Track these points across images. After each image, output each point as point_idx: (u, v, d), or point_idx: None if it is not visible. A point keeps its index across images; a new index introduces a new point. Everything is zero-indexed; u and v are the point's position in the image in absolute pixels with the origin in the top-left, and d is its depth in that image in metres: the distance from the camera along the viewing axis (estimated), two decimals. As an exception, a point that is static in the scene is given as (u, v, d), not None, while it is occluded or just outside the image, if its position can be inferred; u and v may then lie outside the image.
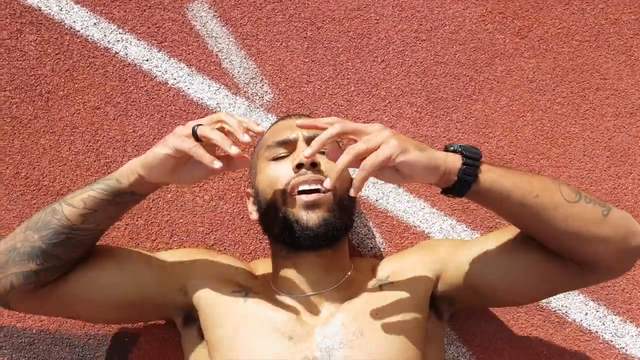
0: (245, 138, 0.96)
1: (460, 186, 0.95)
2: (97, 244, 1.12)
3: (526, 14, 1.59)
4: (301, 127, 1.07)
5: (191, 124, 1.00)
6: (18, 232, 1.05)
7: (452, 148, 0.99)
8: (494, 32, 1.58)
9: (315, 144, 0.97)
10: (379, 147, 0.92)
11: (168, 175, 1.02)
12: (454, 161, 0.95)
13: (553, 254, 1.05)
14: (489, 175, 0.96)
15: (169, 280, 1.17)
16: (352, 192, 0.94)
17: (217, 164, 0.95)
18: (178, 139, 0.98)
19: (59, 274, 1.07)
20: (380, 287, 1.17)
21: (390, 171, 0.95)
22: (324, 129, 0.98)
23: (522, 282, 1.10)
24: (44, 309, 1.15)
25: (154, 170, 1.01)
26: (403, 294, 1.15)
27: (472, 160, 0.95)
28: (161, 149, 0.99)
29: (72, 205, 1.03)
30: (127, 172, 1.03)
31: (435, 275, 1.18)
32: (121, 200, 1.05)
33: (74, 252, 1.06)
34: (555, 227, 0.98)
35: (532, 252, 1.07)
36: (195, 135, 0.98)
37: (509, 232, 1.12)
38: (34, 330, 1.36)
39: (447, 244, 1.23)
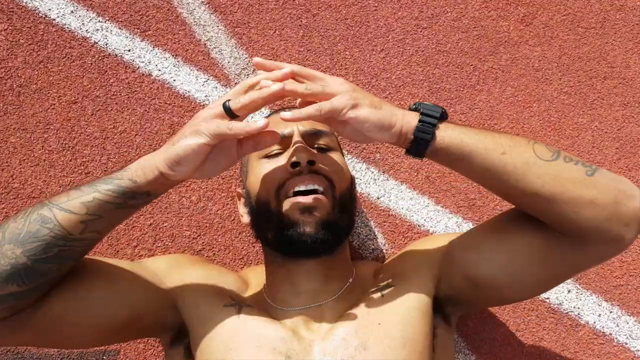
0: (286, 69, 0.72)
1: (417, 145, 0.71)
2: None
3: (530, 0, 1.21)
4: (290, 120, 0.70)
5: (217, 103, 0.71)
6: None
7: (413, 106, 0.75)
8: (497, 19, 1.19)
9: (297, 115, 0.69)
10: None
11: (194, 170, 0.71)
12: (411, 119, 0.72)
13: (544, 228, 0.73)
14: (448, 132, 0.71)
15: (159, 296, 0.81)
16: (285, 115, 0.69)
17: (263, 122, 0.69)
18: (211, 123, 0.69)
19: (40, 295, 0.69)
20: (382, 294, 0.82)
21: (350, 128, 0.72)
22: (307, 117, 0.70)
23: (519, 266, 0.77)
24: (16, 339, 0.74)
25: (183, 165, 0.70)
26: (406, 299, 0.80)
27: (429, 117, 0.71)
28: (193, 140, 0.69)
29: (69, 211, 0.67)
30: (144, 170, 0.71)
31: (436, 275, 0.83)
32: (133, 203, 0.71)
33: (65, 267, 0.69)
34: (530, 188, 0.69)
35: (523, 229, 0.76)
36: (228, 112, 0.70)
37: (501, 215, 0.82)
38: (1, 349, 0.97)
39: (445, 240, 0.87)
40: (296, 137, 0.83)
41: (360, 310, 0.79)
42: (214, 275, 0.88)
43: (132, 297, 0.78)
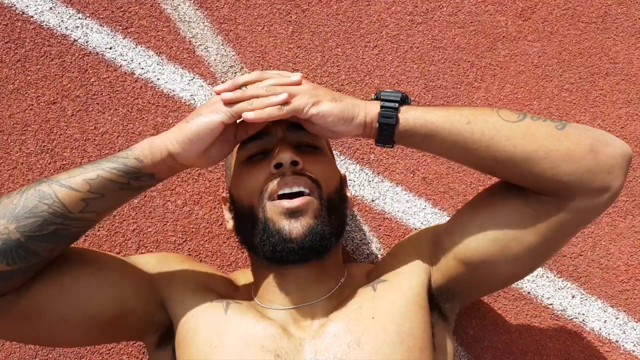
0: (295, 78, 0.75)
1: (383, 131, 0.73)
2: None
3: (529, -6, 1.18)
4: (252, 120, 0.72)
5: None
6: None
7: (374, 96, 0.76)
8: (495, 13, 1.17)
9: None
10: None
11: (203, 152, 0.71)
12: (373, 108, 0.74)
13: (528, 194, 0.73)
14: (410, 113, 0.73)
15: (148, 290, 0.78)
16: (248, 115, 0.70)
17: (284, 96, 0.71)
18: (223, 105, 0.71)
19: (25, 281, 0.66)
20: (374, 288, 0.79)
21: (315, 125, 0.74)
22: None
23: (510, 238, 0.74)
24: None
25: (195, 144, 0.70)
26: (399, 290, 0.77)
27: (390, 102, 0.73)
28: (210, 117, 0.70)
29: (71, 188, 0.66)
30: (151, 148, 0.71)
31: (428, 265, 0.81)
32: (136, 185, 0.71)
33: (58, 248, 0.67)
34: (501, 151, 0.70)
35: (507, 199, 0.75)
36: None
37: (483, 191, 0.82)
38: (-25, 364, 0.94)
39: (432, 229, 0.86)
40: (279, 136, 0.80)
41: (352, 305, 0.77)
42: (203, 273, 0.85)
43: (120, 290, 0.75)
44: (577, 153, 0.69)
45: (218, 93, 0.73)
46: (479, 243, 0.75)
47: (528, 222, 0.73)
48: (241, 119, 0.73)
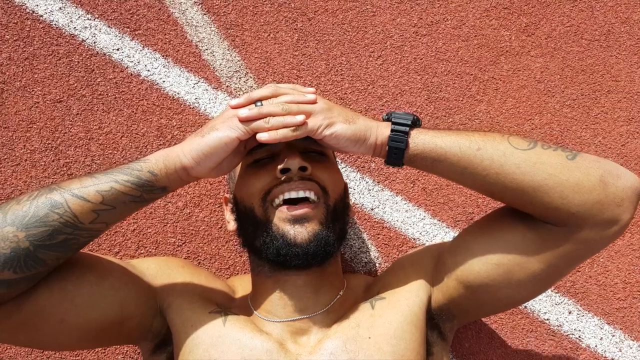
0: (311, 97, 0.76)
1: (392, 154, 0.75)
2: None
3: (533, 9, 1.21)
4: (265, 142, 0.73)
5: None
6: None
7: (385, 117, 0.78)
8: (499, 28, 1.20)
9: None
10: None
11: (216, 165, 0.73)
12: (384, 130, 0.75)
13: (536, 223, 0.73)
14: (420, 138, 0.74)
15: (148, 297, 0.79)
16: (262, 136, 0.72)
17: (301, 117, 0.73)
18: (236, 120, 0.73)
19: (30, 286, 0.67)
20: (373, 306, 0.80)
21: (327, 143, 0.76)
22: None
23: (513, 264, 0.74)
24: None
25: (209, 159, 0.72)
26: (397, 310, 0.78)
27: (400, 126, 0.74)
28: (225, 132, 0.72)
29: (83, 198, 0.67)
30: (165, 162, 0.72)
31: (429, 284, 0.82)
32: (148, 197, 0.72)
33: (64, 257, 0.68)
34: (510, 179, 0.71)
35: (514, 225, 0.75)
36: None
37: (490, 214, 0.82)
38: (-31, 358, 0.96)
39: (435, 248, 0.87)
40: (287, 142, 0.81)
41: (350, 323, 0.78)
42: (202, 280, 0.86)
43: (121, 297, 0.76)
44: (587, 184, 0.69)
45: (233, 108, 0.74)
46: (482, 266, 0.76)
47: (533, 249, 0.74)
48: None
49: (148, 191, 0.71)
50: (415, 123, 0.75)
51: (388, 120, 0.76)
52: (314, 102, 0.75)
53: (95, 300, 0.73)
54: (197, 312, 0.79)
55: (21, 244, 0.63)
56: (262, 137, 0.72)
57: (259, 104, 0.74)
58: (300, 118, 0.72)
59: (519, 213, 0.74)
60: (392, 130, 0.74)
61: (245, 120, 0.72)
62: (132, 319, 0.77)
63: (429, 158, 0.73)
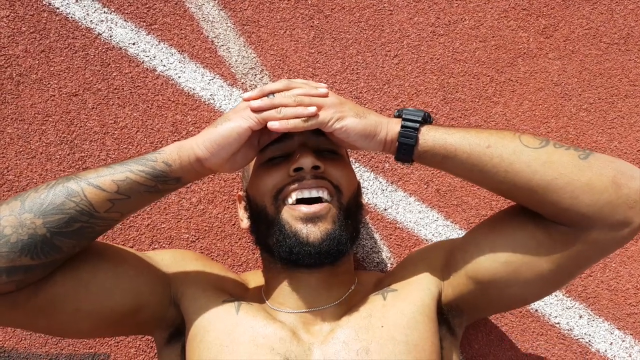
0: (322, 90, 0.78)
1: (402, 150, 0.77)
2: None
3: (552, 11, 1.23)
4: (276, 130, 0.76)
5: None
6: (5, 213, 0.66)
7: (397, 113, 0.80)
8: (517, 29, 1.22)
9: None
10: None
11: (229, 157, 0.76)
12: (394, 126, 0.78)
13: (546, 223, 0.74)
14: (430, 134, 0.76)
15: (162, 287, 0.82)
16: (273, 125, 0.75)
17: (314, 109, 0.75)
18: (250, 112, 0.76)
19: (47, 273, 0.70)
20: (384, 297, 0.82)
21: (337, 137, 0.78)
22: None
23: (522, 263, 0.76)
24: (12, 319, 0.74)
25: (222, 149, 0.74)
26: (409, 301, 0.81)
27: (411, 122, 0.76)
28: (238, 122, 0.75)
29: (99, 187, 0.70)
30: (179, 153, 0.75)
31: (439, 278, 0.84)
32: (163, 188, 0.75)
33: (80, 245, 0.71)
34: (520, 177, 0.72)
35: (524, 223, 0.77)
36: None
37: (501, 212, 0.83)
38: (-15, 348, 0.99)
39: (445, 244, 0.89)
40: (300, 140, 0.83)
41: (361, 313, 0.80)
42: (215, 271, 0.89)
43: (136, 285, 0.79)
44: (598, 184, 0.69)
45: (246, 100, 0.77)
46: (490, 263, 0.78)
47: (542, 249, 0.75)
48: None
49: (162, 182, 0.73)
50: (426, 120, 0.78)
51: (399, 116, 0.78)
52: (325, 96, 0.77)
53: (109, 289, 0.76)
54: (210, 300, 0.81)
55: (38, 230, 0.66)
56: (273, 125, 0.74)
57: (271, 96, 0.77)
58: (312, 109, 0.75)
59: (530, 212, 0.76)
60: (402, 126, 0.76)
61: (257, 111, 0.75)
62: (147, 307, 0.80)
63: (439, 155, 0.75)
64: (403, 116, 0.77)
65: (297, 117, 0.74)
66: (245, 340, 0.76)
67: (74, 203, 0.68)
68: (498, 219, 0.82)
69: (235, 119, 0.75)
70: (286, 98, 0.76)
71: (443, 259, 0.85)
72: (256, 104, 0.75)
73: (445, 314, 0.84)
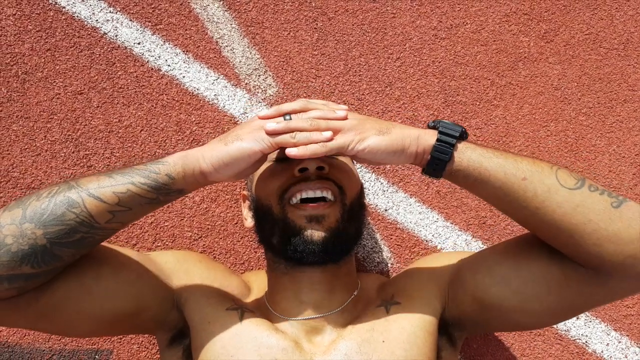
0: (341, 113, 0.76)
1: (434, 165, 0.74)
2: None
3: (552, 16, 1.25)
4: (294, 157, 0.74)
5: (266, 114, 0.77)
6: (7, 222, 0.67)
7: (431, 124, 0.77)
8: (518, 33, 1.24)
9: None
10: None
11: (236, 175, 0.75)
12: (428, 139, 0.74)
13: (563, 259, 0.74)
14: (467, 154, 0.73)
15: (165, 291, 0.84)
16: (291, 151, 0.73)
17: (329, 134, 0.74)
18: (264, 134, 0.74)
19: (49, 279, 0.71)
20: (387, 310, 0.84)
21: (362, 159, 0.76)
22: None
23: (532, 294, 0.77)
24: (18, 320, 0.75)
25: (230, 168, 0.73)
26: (411, 317, 0.82)
27: (447, 137, 0.73)
28: (250, 144, 0.73)
29: (99, 199, 0.69)
30: (184, 166, 0.73)
31: (444, 295, 0.85)
32: (164, 199, 0.74)
33: (80, 253, 0.72)
34: (550, 217, 0.70)
35: (540, 257, 0.76)
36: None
37: (517, 239, 0.83)
38: (-10, 343, 1.01)
39: (454, 259, 0.89)
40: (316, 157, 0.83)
41: (365, 326, 0.82)
42: (219, 276, 0.90)
43: (137, 289, 0.80)
44: (625, 236, 0.68)
45: (261, 118, 0.76)
46: (500, 290, 0.79)
47: (555, 285, 0.75)
48: None
49: (165, 194, 0.73)
50: (462, 136, 0.75)
51: (434, 128, 0.76)
52: (344, 119, 0.75)
53: (111, 293, 0.77)
54: (214, 308, 0.83)
55: (39, 241, 0.67)
56: (291, 152, 0.72)
57: (287, 117, 0.75)
58: (327, 134, 0.73)
59: (548, 245, 0.75)
60: (437, 140, 0.73)
61: (271, 133, 0.73)
62: (148, 311, 0.81)
63: (471, 177, 0.73)
64: (440, 129, 0.74)
65: (311, 143, 0.73)
66: (250, 350, 0.78)
67: (74, 214, 0.68)
68: (514, 245, 0.82)
69: (248, 139, 0.73)
70: (302, 121, 0.75)
71: (450, 275, 0.86)
72: (271, 127, 0.74)
73: (447, 327, 0.86)
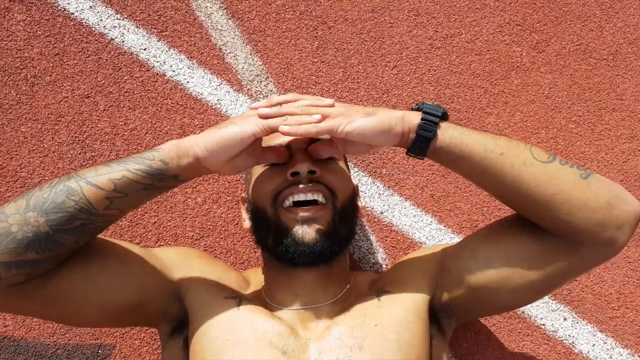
0: (329, 101, 0.82)
1: (419, 143, 0.78)
2: None
3: (544, 27, 1.30)
4: (287, 133, 0.78)
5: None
6: (12, 212, 0.72)
7: (415, 107, 0.82)
8: (511, 44, 1.29)
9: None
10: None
11: (229, 160, 0.78)
12: (412, 118, 0.79)
13: (540, 233, 0.81)
14: (449, 131, 0.79)
15: (167, 283, 0.87)
16: (284, 128, 0.77)
17: (318, 116, 0.78)
18: (257, 119, 0.78)
19: (53, 266, 0.75)
20: (379, 298, 0.88)
21: (351, 145, 0.81)
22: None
23: (514, 271, 0.83)
24: (23, 307, 0.79)
25: (223, 152, 0.76)
26: (402, 302, 0.86)
27: (431, 116, 0.79)
28: (242, 127, 0.77)
29: (97, 186, 0.73)
30: (178, 152, 0.77)
31: (432, 281, 0.90)
32: (159, 185, 0.77)
33: (82, 240, 0.76)
34: (525, 188, 0.77)
35: (519, 234, 0.83)
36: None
37: (497, 222, 0.89)
38: (-3, 337, 1.05)
39: (440, 248, 0.95)
40: (299, 147, 0.89)
41: (357, 311, 0.86)
42: (218, 270, 0.95)
43: (141, 281, 0.84)
44: (594, 204, 0.75)
45: (253, 109, 0.81)
46: (484, 270, 0.84)
47: (535, 259, 0.81)
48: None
49: (159, 179, 0.76)
50: (444, 116, 0.80)
51: (418, 109, 0.81)
52: (332, 107, 0.81)
53: (115, 284, 0.81)
54: (213, 296, 0.87)
55: (41, 228, 0.71)
56: (284, 128, 0.77)
57: (279, 106, 0.80)
58: (317, 117, 0.78)
59: (524, 224, 0.82)
60: (422, 119, 0.78)
61: (264, 117, 0.78)
62: (151, 302, 0.85)
63: (453, 153, 0.78)
64: (424, 109, 0.79)
65: (302, 124, 0.77)
66: (246, 334, 0.82)
67: (73, 202, 0.72)
68: (494, 228, 0.88)
69: (241, 123, 0.77)
70: (293, 108, 0.80)
71: (437, 263, 0.91)
72: (264, 111, 0.79)
73: (436, 315, 0.90)
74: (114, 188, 0.74)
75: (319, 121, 0.78)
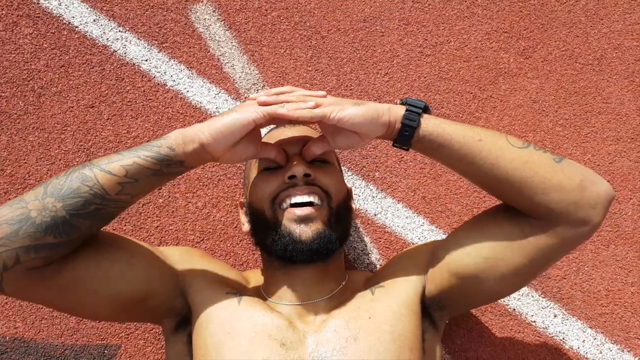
0: (321, 93, 0.90)
1: (404, 132, 0.85)
2: (103, 230, 0.86)
3: (531, 34, 1.35)
4: (284, 115, 0.85)
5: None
6: (31, 198, 0.77)
7: (399, 102, 0.89)
8: (498, 50, 1.34)
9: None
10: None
11: (231, 146, 0.84)
12: (398, 110, 0.87)
13: (521, 218, 0.87)
14: (431, 121, 0.86)
15: (172, 278, 0.93)
16: (281, 110, 0.84)
17: (312, 103, 0.85)
18: (256, 106, 0.84)
19: (70, 251, 0.80)
20: (372, 292, 0.93)
21: (341, 136, 0.87)
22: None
23: (499, 258, 0.87)
24: (39, 293, 0.83)
25: (225, 137, 0.82)
26: (395, 296, 0.91)
27: (415, 107, 0.86)
28: (243, 114, 0.83)
29: (109, 172, 0.79)
30: (184, 138, 0.82)
31: (423, 275, 0.95)
32: (168, 171, 0.83)
33: (97, 225, 0.81)
34: (503, 172, 0.84)
35: (500, 221, 0.89)
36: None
37: (480, 214, 0.95)
38: (7, 338, 1.08)
39: (429, 243, 1.00)
40: (294, 151, 0.94)
41: (352, 305, 0.91)
42: (219, 268, 1.00)
43: (148, 275, 0.89)
44: (567, 185, 0.82)
45: (253, 99, 0.87)
46: (471, 259, 0.89)
47: (516, 243, 0.86)
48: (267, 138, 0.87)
49: (167, 165, 0.82)
50: (426, 109, 0.88)
51: (403, 104, 0.88)
52: (324, 97, 0.88)
53: (125, 275, 0.86)
54: (214, 291, 0.92)
55: (59, 212, 0.76)
56: (281, 110, 0.84)
57: (276, 96, 0.87)
58: (311, 103, 0.85)
59: (506, 211, 0.88)
60: (407, 110, 0.86)
61: (263, 104, 0.85)
62: (157, 296, 0.90)
63: (435, 142, 0.85)
64: (408, 102, 0.87)
65: (297, 109, 0.84)
66: (246, 327, 0.86)
67: (88, 187, 0.78)
68: (478, 219, 0.94)
69: (241, 111, 0.84)
70: (290, 96, 0.87)
71: (427, 257, 0.96)
72: (263, 99, 0.85)
73: (428, 308, 0.95)
74: (126, 174, 0.79)
75: (314, 107, 0.85)
